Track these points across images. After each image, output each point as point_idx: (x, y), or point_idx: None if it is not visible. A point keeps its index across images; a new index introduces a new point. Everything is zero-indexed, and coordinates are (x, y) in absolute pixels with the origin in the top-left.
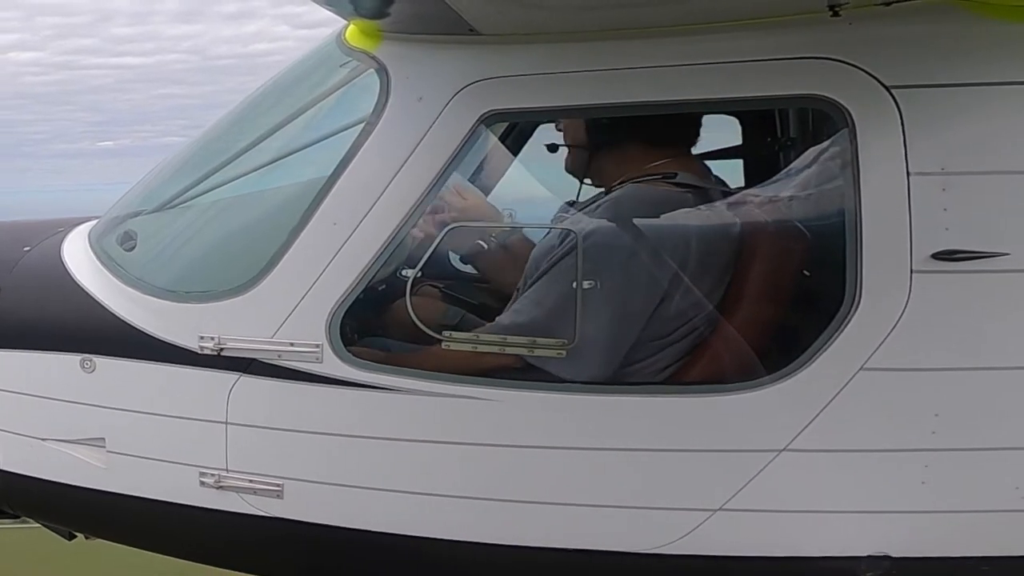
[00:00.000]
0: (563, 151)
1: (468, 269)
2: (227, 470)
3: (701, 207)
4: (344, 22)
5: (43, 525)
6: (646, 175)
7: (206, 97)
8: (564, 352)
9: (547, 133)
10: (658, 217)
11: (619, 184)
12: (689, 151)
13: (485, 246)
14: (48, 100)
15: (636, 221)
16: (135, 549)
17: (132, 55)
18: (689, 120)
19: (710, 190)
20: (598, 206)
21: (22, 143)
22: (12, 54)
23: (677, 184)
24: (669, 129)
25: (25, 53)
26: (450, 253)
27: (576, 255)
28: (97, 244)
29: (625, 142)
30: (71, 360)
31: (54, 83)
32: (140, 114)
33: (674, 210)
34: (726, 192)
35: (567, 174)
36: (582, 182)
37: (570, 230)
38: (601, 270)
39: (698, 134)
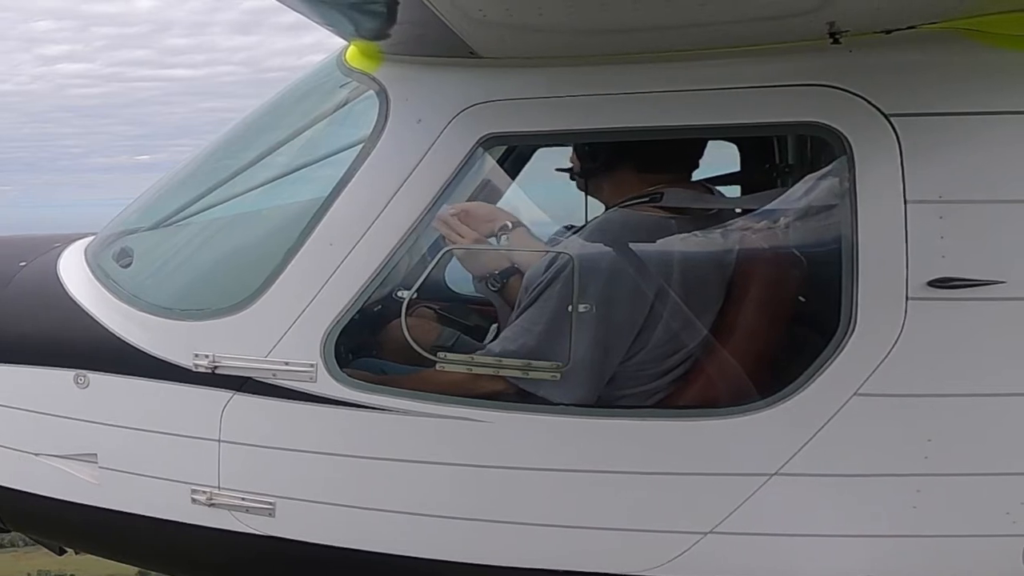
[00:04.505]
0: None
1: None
2: (219, 488)
3: (690, 231)
4: (345, 43)
5: (34, 539)
6: (632, 199)
7: (244, 111)
8: (559, 375)
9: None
10: (639, 241)
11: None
12: (687, 175)
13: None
14: (90, 113)
15: (618, 245)
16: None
17: (182, 67)
18: (687, 144)
19: (700, 214)
20: (583, 231)
21: (59, 156)
22: (60, 66)
23: (663, 208)
24: (667, 153)
25: (74, 65)
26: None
27: (559, 280)
28: (93, 260)
29: (623, 166)
30: (65, 375)
31: (98, 96)
32: (181, 128)
33: (656, 234)
34: (719, 216)
35: (563, 198)
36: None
37: (556, 254)
38: (582, 294)
39: (696, 158)
